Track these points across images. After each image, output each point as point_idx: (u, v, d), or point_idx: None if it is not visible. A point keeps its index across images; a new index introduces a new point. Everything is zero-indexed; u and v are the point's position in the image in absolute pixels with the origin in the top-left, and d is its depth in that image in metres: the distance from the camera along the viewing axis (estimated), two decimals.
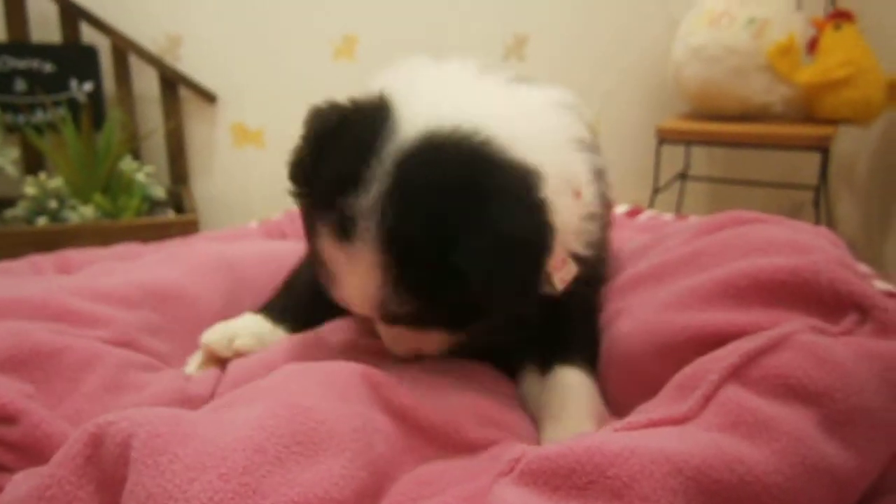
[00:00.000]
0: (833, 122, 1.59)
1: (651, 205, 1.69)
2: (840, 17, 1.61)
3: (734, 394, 0.51)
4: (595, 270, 0.73)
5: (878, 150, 1.78)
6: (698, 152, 2.06)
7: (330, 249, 0.60)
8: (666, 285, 0.74)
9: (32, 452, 0.59)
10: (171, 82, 1.85)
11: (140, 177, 1.65)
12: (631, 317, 0.73)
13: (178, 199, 1.79)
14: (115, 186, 1.59)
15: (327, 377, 0.61)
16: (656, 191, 1.75)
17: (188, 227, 1.55)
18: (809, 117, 1.65)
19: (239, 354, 0.76)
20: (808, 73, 1.58)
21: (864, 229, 1.84)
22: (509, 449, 0.54)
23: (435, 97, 0.61)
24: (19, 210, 1.54)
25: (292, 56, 1.96)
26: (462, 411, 0.64)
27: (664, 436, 0.48)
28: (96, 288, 0.87)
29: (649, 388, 0.62)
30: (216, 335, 0.77)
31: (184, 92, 1.88)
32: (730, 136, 1.61)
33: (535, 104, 0.67)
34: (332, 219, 0.59)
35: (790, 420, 0.49)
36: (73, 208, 1.53)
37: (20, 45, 1.69)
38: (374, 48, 2.00)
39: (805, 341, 0.54)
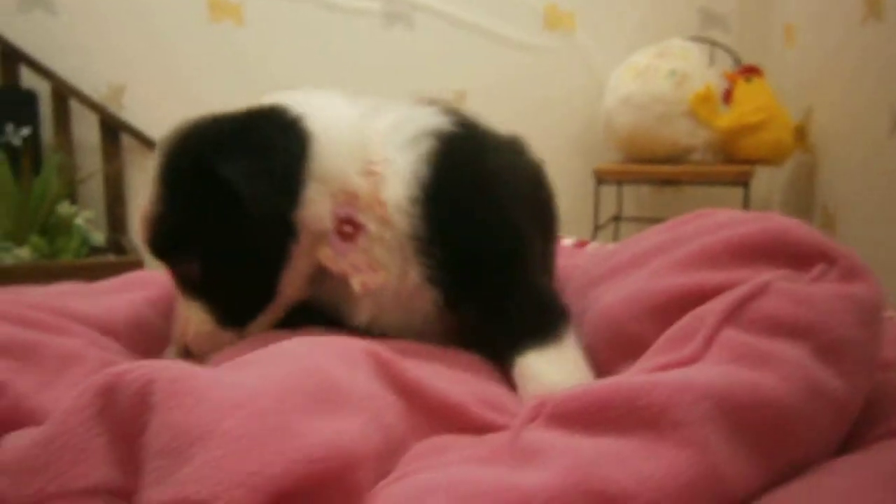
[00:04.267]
0: (750, 162, 1.75)
1: (594, 240, 1.77)
2: (750, 71, 1.80)
3: (732, 335, 0.54)
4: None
5: (789, 188, 1.96)
6: (628, 197, 2.19)
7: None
8: (644, 266, 0.78)
9: (13, 427, 0.55)
10: (113, 130, 1.82)
11: (79, 221, 1.59)
12: (613, 293, 0.75)
13: (118, 246, 1.73)
14: (52, 230, 1.53)
15: (337, 349, 0.61)
16: (597, 227, 1.84)
17: (133, 269, 1.49)
18: (729, 159, 1.80)
19: None
20: (726, 119, 1.74)
21: None
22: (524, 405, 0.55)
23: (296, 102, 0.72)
24: None
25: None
26: (466, 393, 0.64)
27: (682, 371, 0.50)
28: (54, 307, 0.83)
29: (635, 352, 0.65)
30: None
31: (126, 140, 1.85)
32: (662, 174, 1.74)
33: (362, 113, 0.74)
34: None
35: (788, 352, 0.52)
36: (7, 250, 1.45)
37: None
38: None
39: (783, 287, 0.58)
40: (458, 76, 2.14)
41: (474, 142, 0.77)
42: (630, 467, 0.43)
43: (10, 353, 0.64)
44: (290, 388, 0.50)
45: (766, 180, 1.98)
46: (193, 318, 0.72)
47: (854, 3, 1.58)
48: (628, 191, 2.12)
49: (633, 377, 0.50)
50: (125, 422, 0.46)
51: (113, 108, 1.86)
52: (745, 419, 0.47)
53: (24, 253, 1.45)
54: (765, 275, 0.62)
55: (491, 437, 0.57)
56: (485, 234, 0.72)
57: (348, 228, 0.70)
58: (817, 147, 1.79)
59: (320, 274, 0.73)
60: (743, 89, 1.77)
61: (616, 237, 2.14)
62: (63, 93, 1.74)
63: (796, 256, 0.64)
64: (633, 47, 1.98)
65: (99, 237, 1.66)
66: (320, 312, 0.76)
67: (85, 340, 0.76)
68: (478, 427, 0.60)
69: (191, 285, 0.72)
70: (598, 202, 1.82)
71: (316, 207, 0.68)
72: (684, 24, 2.15)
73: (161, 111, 1.91)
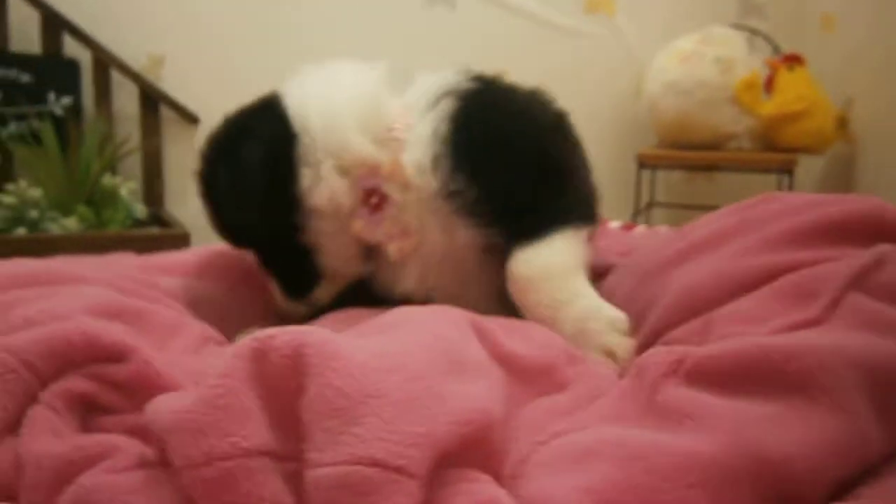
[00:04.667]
0: (791, 150, 1.76)
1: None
2: (792, 60, 1.80)
3: (857, 300, 0.54)
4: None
5: (827, 177, 1.97)
6: (659, 183, 2.20)
7: None
8: (721, 247, 0.77)
9: (142, 392, 0.55)
10: (153, 101, 1.81)
11: (123, 192, 1.59)
12: (695, 272, 0.73)
13: (159, 219, 1.73)
14: (97, 200, 1.53)
15: (447, 317, 0.62)
16: (637, 212, 1.85)
17: (179, 242, 1.50)
18: (769, 147, 1.81)
19: None
20: (769, 106, 1.74)
21: None
22: (653, 357, 0.55)
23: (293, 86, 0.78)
24: None
25: (278, 82, 1.96)
26: (550, 350, 0.64)
27: (824, 334, 0.51)
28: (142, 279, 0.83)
29: None
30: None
31: (165, 112, 1.84)
32: (707, 160, 1.74)
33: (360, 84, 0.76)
34: None
35: None
36: (54, 220, 1.45)
37: None
38: None
39: None
40: (497, 57, 2.12)
41: (493, 94, 0.77)
42: (787, 432, 0.44)
43: (124, 319, 0.65)
44: (425, 352, 0.51)
45: (802, 169, 1.99)
46: (274, 290, 0.80)
47: None
48: (659, 177, 2.12)
49: (774, 339, 0.49)
50: (279, 385, 0.46)
51: (151, 79, 1.85)
52: (886, 386, 0.46)
53: (70, 223, 1.45)
54: (878, 247, 0.62)
55: (612, 391, 0.57)
56: (517, 169, 0.72)
57: (375, 199, 0.71)
58: (857, 137, 1.79)
59: (373, 247, 0.75)
60: (785, 77, 1.77)
61: (649, 223, 2.15)
62: (104, 62, 1.73)
63: (893, 237, 0.64)
64: (672, 33, 1.97)
65: (142, 209, 1.66)
66: (366, 286, 0.78)
67: (177, 311, 0.77)
68: (562, 383, 0.60)
69: (260, 266, 0.79)
70: (640, 187, 1.83)
71: (323, 190, 0.71)
72: (723, 12, 2.14)
73: (200, 84, 1.91)
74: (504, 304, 0.75)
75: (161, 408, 0.47)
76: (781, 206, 0.79)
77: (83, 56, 1.72)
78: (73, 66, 1.70)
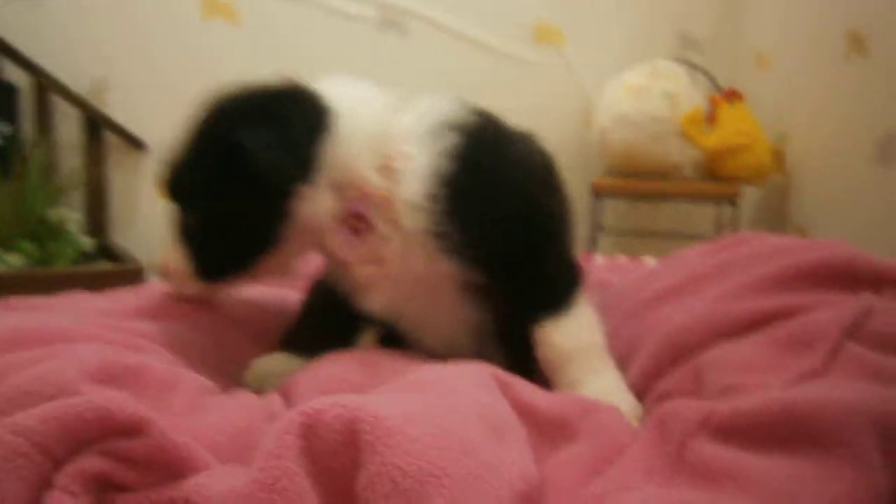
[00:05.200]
0: (732, 181, 1.86)
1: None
2: (733, 95, 1.91)
3: (854, 350, 0.57)
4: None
5: (761, 208, 2.09)
6: (605, 210, 2.27)
7: None
8: (707, 289, 0.79)
9: (157, 468, 0.52)
10: (98, 127, 1.72)
11: (70, 226, 1.50)
12: (681, 315, 0.76)
13: (108, 252, 1.64)
14: (42, 235, 1.44)
15: (474, 376, 0.62)
16: (594, 241, 1.90)
17: (132, 277, 1.43)
18: (712, 177, 1.91)
19: None
20: (712, 139, 1.84)
21: None
22: (676, 411, 0.56)
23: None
24: None
25: None
26: (565, 401, 0.65)
27: (833, 386, 0.54)
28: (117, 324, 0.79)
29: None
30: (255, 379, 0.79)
31: (110, 138, 1.76)
32: (658, 190, 1.82)
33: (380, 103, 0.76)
34: None
35: None
36: None
37: None
38: None
39: (883, 307, 0.62)
40: (449, 83, 2.15)
41: (493, 134, 0.77)
42: (818, 488, 0.45)
43: (123, 381, 0.61)
44: (469, 420, 0.51)
45: (742, 199, 2.10)
46: (175, 256, 0.75)
47: (836, 38, 1.68)
48: (605, 204, 2.20)
49: (792, 393, 0.52)
50: (331, 462, 0.46)
51: (96, 104, 1.76)
52: (888, 436, 0.48)
53: (14, 259, 1.36)
54: (863, 296, 0.66)
55: (633, 445, 0.58)
56: (514, 223, 0.72)
57: (359, 224, 0.71)
58: (791, 170, 1.92)
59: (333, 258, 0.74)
60: (726, 112, 1.87)
61: (596, 249, 2.21)
62: (45, 87, 1.64)
63: (867, 282, 0.67)
64: (617, 65, 2.06)
65: (87, 242, 1.58)
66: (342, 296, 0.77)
67: (161, 358, 0.73)
68: (574, 435, 0.61)
69: (185, 230, 0.74)
70: (595, 216, 1.89)
71: (314, 202, 0.69)
72: (665, 46, 2.25)
73: (146, 109, 1.83)
74: (473, 334, 0.77)
75: (212, 490, 0.45)
76: (756, 250, 0.83)
77: (23, 80, 1.63)
78: (11, 91, 1.60)
